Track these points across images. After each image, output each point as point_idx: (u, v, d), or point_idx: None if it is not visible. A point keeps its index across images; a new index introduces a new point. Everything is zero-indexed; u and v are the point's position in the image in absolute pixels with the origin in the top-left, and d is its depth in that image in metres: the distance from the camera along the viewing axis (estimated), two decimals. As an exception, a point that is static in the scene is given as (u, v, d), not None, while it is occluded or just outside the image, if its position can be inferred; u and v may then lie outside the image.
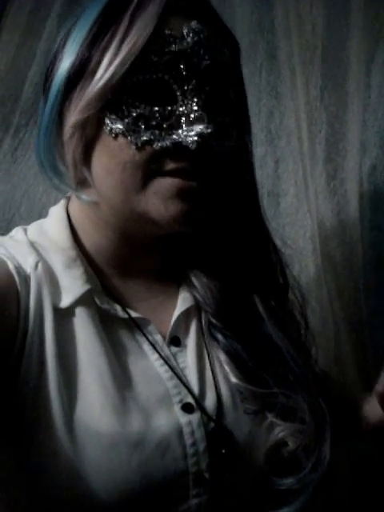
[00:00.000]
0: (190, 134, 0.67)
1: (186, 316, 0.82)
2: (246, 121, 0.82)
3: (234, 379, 0.80)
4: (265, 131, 1.28)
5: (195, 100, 0.68)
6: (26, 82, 1.40)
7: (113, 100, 0.67)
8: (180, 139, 0.67)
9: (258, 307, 0.83)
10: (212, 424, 0.75)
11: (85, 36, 0.68)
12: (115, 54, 0.66)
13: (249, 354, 0.80)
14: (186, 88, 0.69)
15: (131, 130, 0.67)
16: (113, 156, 0.68)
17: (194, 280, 0.84)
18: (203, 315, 0.83)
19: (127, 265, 0.80)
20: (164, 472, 0.70)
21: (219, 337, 0.82)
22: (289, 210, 1.27)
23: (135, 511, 0.70)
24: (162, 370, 0.76)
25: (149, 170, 0.68)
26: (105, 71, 0.66)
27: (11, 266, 0.70)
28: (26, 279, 0.70)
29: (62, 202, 0.81)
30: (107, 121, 0.68)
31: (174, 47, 0.67)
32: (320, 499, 0.82)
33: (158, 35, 0.67)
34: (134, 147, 0.67)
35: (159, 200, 0.69)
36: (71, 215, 0.79)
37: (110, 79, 0.66)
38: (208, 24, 0.71)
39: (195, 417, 0.74)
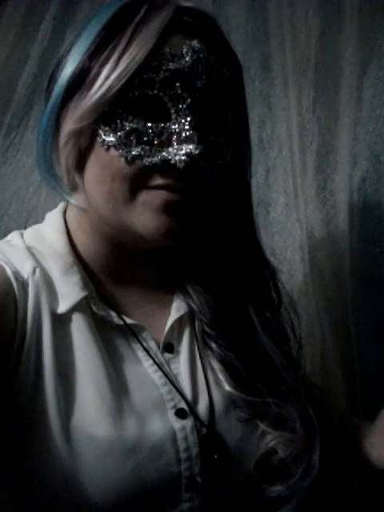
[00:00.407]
0: (179, 152, 0.68)
1: (179, 323, 0.83)
2: (245, 139, 0.82)
3: (227, 387, 0.81)
4: (256, 140, 1.28)
5: (188, 119, 0.69)
6: (18, 83, 1.40)
7: (108, 112, 0.68)
8: (169, 157, 0.68)
9: (252, 318, 0.84)
10: (204, 429, 0.76)
11: (87, 46, 0.69)
12: (113, 68, 0.67)
13: (242, 364, 0.81)
14: (180, 106, 0.69)
15: (123, 143, 0.68)
16: (103, 167, 0.69)
17: (188, 289, 0.85)
18: (197, 323, 0.84)
19: (121, 272, 0.81)
20: (158, 476, 0.71)
21: (213, 345, 0.83)
22: (278, 219, 1.28)
23: None
24: (157, 376, 0.77)
25: (137, 183, 0.70)
26: (102, 84, 0.67)
27: (9, 272, 0.70)
28: (23, 285, 0.71)
29: (60, 208, 0.82)
30: (100, 132, 0.69)
31: (171, 65, 0.68)
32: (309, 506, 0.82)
33: (158, 52, 0.67)
34: (123, 160, 0.68)
35: (145, 212, 0.70)
36: (68, 221, 0.80)
37: (106, 92, 0.67)
38: (209, 43, 0.71)
39: (188, 422, 0.75)
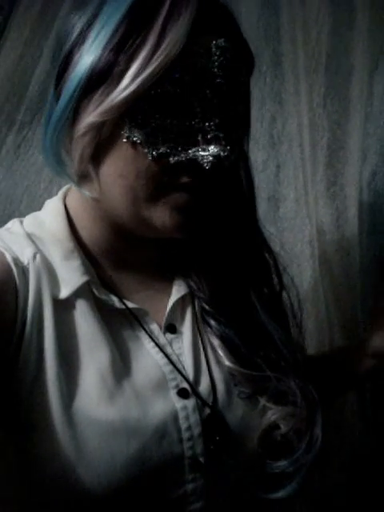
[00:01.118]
0: (206, 153, 0.68)
1: (180, 304, 0.84)
2: (248, 130, 0.83)
3: (227, 363, 0.81)
4: (267, 136, 1.29)
5: (216, 120, 0.69)
6: (32, 79, 1.41)
7: (134, 108, 0.67)
8: (196, 157, 0.68)
9: (251, 297, 0.85)
10: (207, 409, 0.77)
11: (109, 37, 0.66)
12: (145, 65, 0.65)
13: (241, 340, 0.82)
14: (206, 106, 0.69)
15: (149, 140, 0.67)
16: (127, 162, 0.69)
17: (188, 270, 0.86)
18: (197, 302, 0.85)
19: (123, 258, 0.81)
20: (161, 457, 0.72)
21: (212, 322, 0.84)
22: (288, 215, 1.28)
23: (133, 497, 0.71)
24: (159, 357, 0.77)
25: (161, 181, 0.70)
26: (132, 80, 0.65)
27: (9, 258, 0.70)
28: (23, 270, 0.71)
29: (59, 195, 0.82)
30: (126, 128, 0.67)
31: (201, 64, 0.67)
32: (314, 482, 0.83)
33: (187, 50, 0.66)
34: (150, 158, 0.68)
35: (166, 210, 0.71)
36: (69, 207, 0.80)
37: (136, 89, 0.65)
38: (233, 42, 0.70)
39: (190, 402, 0.76)
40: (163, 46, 0.65)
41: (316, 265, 1.23)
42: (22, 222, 0.79)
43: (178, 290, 0.84)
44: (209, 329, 0.84)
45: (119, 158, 0.69)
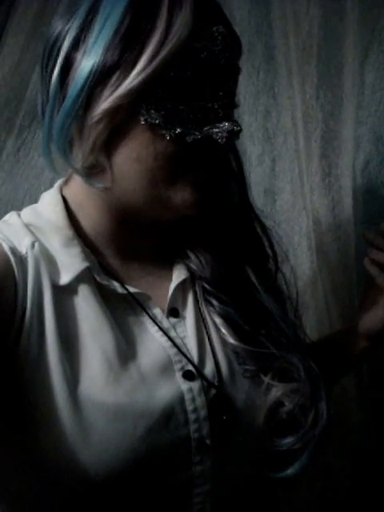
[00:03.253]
0: (220, 129, 0.72)
1: (182, 288, 0.85)
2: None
3: (231, 340, 0.83)
4: (262, 130, 1.29)
5: (224, 99, 0.74)
6: (30, 83, 1.42)
7: (149, 92, 0.69)
8: (211, 133, 0.72)
9: (250, 275, 0.86)
10: (212, 391, 0.78)
11: (116, 27, 0.68)
12: (158, 49, 0.67)
13: (243, 318, 0.84)
14: (214, 86, 0.72)
15: (166, 122, 0.70)
16: (145, 146, 0.71)
17: (188, 252, 0.87)
18: (198, 284, 0.86)
19: (124, 245, 0.82)
20: (168, 439, 0.73)
21: (214, 302, 0.85)
22: (285, 208, 1.28)
23: (139, 480, 0.72)
24: (163, 340, 0.78)
25: (179, 161, 0.72)
26: (147, 64, 0.67)
27: (6, 247, 0.71)
28: (21, 259, 0.72)
29: (56, 187, 0.83)
30: (143, 111, 0.69)
31: (206, 48, 0.70)
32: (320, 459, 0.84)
33: (194, 35, 0.69)
34: (167, 138, 0.70)
35: (186, 189, 0.74)
36: (68, 197, 0.81)
37: (152, 73, 0.67)
38: (227, 29, 0.74)
39: (196, 384, 0.77)
40: (174, 30, 0.68)
41: (314, 256, 1.24)
42: (19, 214, 0.80)
43: (178, 275, 0.85)
44: (211, 308, 0.86)
45: (136, 142, 0.71)
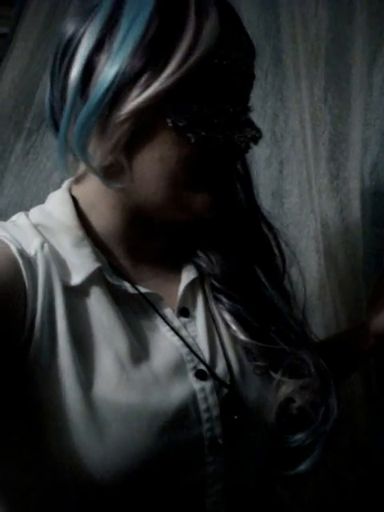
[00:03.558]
0: (245, 135, 0.73)
1: (191, 288, 0.85)
2: None
3: (242, 337, 0.83)
4: (270, 133, 1.29)
5: (244, 104, 0.75)
6: (39, 87, 1.43)
7: (177, 94, 0.69)
8: (234, 138, 0.72)
9: (258, 273, 0.87)
10: (224, 390, 0.78)
11: (143, 30, 0.68)
12: (189, 53, 0.68)
13: (253, 315, 0.84)
14: (236, 92, 0.73)
15: (192, 125, 0.70)
16: (169, 147, 0.71)
17: (197, 252, 0.87)
18: (207, 283, 0.87)
19: (134, 246, 0.82)
20: (181, 439, 0.73)
21: (224, 299, 0.85)
22: (293, 211, 1.28)
23: (152, 481, 0.71)
24: (175, 340, 0.78)
25: (202, 165, 0.73)
26: (177, 68, 0.68)
27: (14, 249, 0.70)
28: (30, 261, 0.71)
29: (64, 187, 0.82)
30: (171, 113, 0.69)
31: (233, 54, 0.71)
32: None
33: (223, 40, 0.70)
34: (192, 142, 0.70)
35: (206, 192, 0.75)
36: (78, 197, 0.80)
37: (182, 76, 0.68)
38: (246, 36, 0.75)
39: (208, 383, 0.77)
40: (203, 35, 0.68)
41: (321, 259, 1.23)
42: (27, 215, 0.79)
43: (187, 275, 0.85)
44: (221, 306, 0.86)
45: (160, 144, 0.71)
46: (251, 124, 0.75)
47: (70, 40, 0.72)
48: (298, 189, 1.28)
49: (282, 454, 0.83)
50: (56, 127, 0.79)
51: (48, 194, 1.35)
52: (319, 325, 1.20)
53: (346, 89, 1.24)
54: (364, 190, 1.19)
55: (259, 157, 1.28)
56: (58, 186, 1.34)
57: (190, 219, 0.79)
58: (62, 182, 1.36)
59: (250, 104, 0.77)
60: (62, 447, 0.68)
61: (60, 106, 0.75)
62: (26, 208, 1.34)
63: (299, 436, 0.81)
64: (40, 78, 1.44)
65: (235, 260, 0.87)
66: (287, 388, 0.82)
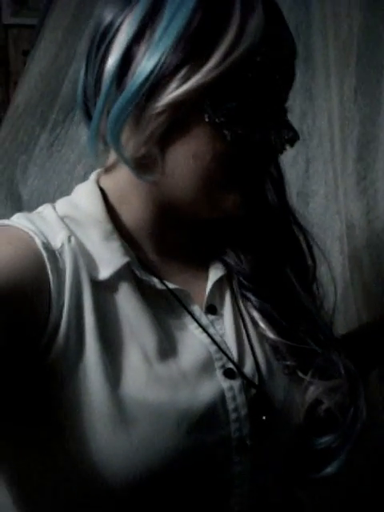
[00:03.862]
0: (282, 137, 0.72)
1: (219, 286, 0.84)
2: None
3: (271, 335, 0.82)
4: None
5: (282, 105, 0.75)
6: (65, 79, 1.43)
7: (216, 90, 0.68)
8: (271, 139, 0.72)
9: (288, 272, 0.85)
10: (252, 390, 0.77)
11: (186, 23, 0.67)
12: (232, 48, 0.67)
13: (281, 314, 0.83)
14: (275, 92, 0.72)
15: (229, 122, 0.69)
16: (205, 143, 0.70)
17: (226, 250, 0.86)
18: (235, 281, 0.85)
19: (163, 241, 0.80)
20: (209, 439, 0.71)
21: (252, 298, 0.84)
22: (318, 211, 1.27)
23: (179, 480, 0.70)
24: (203, 337, 0.77)
25: (236, 163, 0.72)
26: (220, 62, 0.67)
27: (38, 242, 0.69)
28: (55, 254, 0.69)
29: (93, 178, 0.80)
30: (209, 109, 0.69)
31: (276, 53, 0.70)
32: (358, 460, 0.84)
33: (264, 37, 0.68)
34: (229, 139, 0.69)
35: (237, 192, 0.74)
36: (106, 189, 0.78)
37: (223, 71, 0.67)
38: (290, 35, 0.74)
39: (236, 382, 0.76)
40: (248, 30, 0.67)
41: (345, 261, 1.22)
42: (54, 207, 0.78)
43: (215, 273, 0.84)
44: (249, 303, 0.84)
45: (196, 139, 0.70)
46: (289, 125, 0.74)
47: (109, 26, 0.71)
48: (324, 189, 1.26)
49: (308, 456, 0.82)
50: (86, 113, 0.78)
51: (72, 185, 1.35)
52: (341, 326, 1.18)
53: (376, 88, 1.23)
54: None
55: (285, 155, 1.25)
56: (82, 178, 1.35)
57: (219, 217, 0.78)
58: (85, 174, 1.38)
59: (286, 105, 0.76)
60: (87, 446, 0.67)
61: (93, 92, 0.74)
62: (49, 199, 1.34)
63: (326, 438, 0.80)
64: (67, 70, 1.44)
65: (265, 259, 0.85)
66: (316, 389, 0.80)
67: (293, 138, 0.73)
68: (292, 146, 0.74)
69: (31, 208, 1.33)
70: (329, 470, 0.80)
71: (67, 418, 0.67)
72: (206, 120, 0.69)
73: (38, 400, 0.68)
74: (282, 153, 0.74)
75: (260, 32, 0.67)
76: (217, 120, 0.69)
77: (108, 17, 0.71)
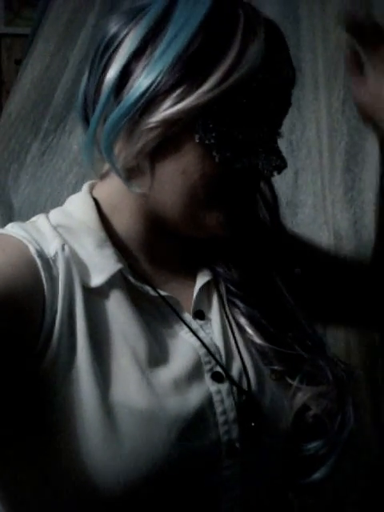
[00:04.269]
0: (270, 163, 0.73)
1: (206, 290, 0.84)
2: None
3: (258, 340, 0.82)
4: (286, 143, 1.29)
5: (275, 131, 0.76)
6: (57, 88, 1.44)
7: (210, 112, 0.70)
8: (259, 164, 0.73)
9: (276, 279, 0.86)
10: (241, 395, 0.77)
11: (187, 44, 0.69)
12: (230, 72, 0.68)
13: (269, 320, 0.83)
14: (268, 118, 0.74)
15: (219, 144, 0.70)
16: (194, 163, 0.71)
17: (213, 256, 0.87)
18: (222, 287, 0.86)
19: (153, 250, 0.81)
20: (199, 443, 0.71)
21: (240, 304, 0.84)
22: (306, 221, 1.28)
23: (169, 486, 0.70)
24: (193, 341, 0.77)
25: (222, 184, 0.73)
26: (215, 86, 0.68)
27: (32, 250, 0.69)
28: (49, 262, 0.70)
29: (85, 189, 0.81)
30: (200, 129, 0.70)
31: (273, 80, 0.71)
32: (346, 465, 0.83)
33: (263, 65, 0.70)
34: (216, 161, 0.71)
35: (221, 213, 0.75)
36: (99, 199, 0.80)
37: (218, 94, 0.68)
38: (290, 61, 0.75)
39: (224, 386, 0.76)
40: (247, 57, 0.69)
41: (333, 271, 1.22)
42: (47, 217, 0.78)
43: (202, 277, 0.84)
44: (236, 310, 0.85)
45: (186, 157, 0.71)
46: (278, 153, 0.75)
47: (114, 37, 0.73)
48: (312, 199, 1.27)
49: (296, 462, 0.82)
50: (84, 118, 0.79)
51: (63, 194, 1.38)
52: (328, 336, 1.19)
53: (364, 100, 1.24)
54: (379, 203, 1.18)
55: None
56: (73, 187, 1.37)
57: (204, 237, 0.80)
58: (77, 183, 1.38)
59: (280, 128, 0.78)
60: (76, 451, 0.66)
61: (92, 99, 0.75)
62: (40, 208, 1.37)
63: (314, 444, 0.80)
64: (59, 79, 1.45)
65: (253, 268, 0.86)
66: (304, 395, 0.80)
67: (280, 165, 0.74)
68: (279, 173, 0.75)
69: (22, 216, 1.35)
70: (317, 476, 0.80)
71: (58, 425, 0.67)
72: (197, 141, 0.70)
73: (31, 407, 0.68)
74: (268, 179, 0.76)
75: (259, 59, 0.69)
76: (207, 141, 0.70)
77: (113, 28, 0.74)
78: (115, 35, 0.73)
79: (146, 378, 0.70)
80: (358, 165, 1.24)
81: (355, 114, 1.23)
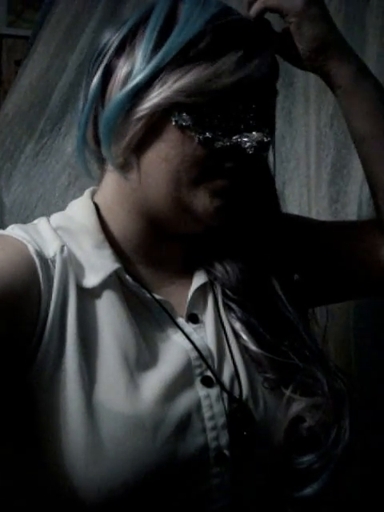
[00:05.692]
0: (249, 139, 0.73)
1: (201, 293, 0.84)
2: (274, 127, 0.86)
3: (253, 348, 0.80)
4: (275, 154, 1.30)
5: (256, 111, 0.74)
6: (55, 91, 1.45)
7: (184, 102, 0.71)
8: (240, 142, 0.73)
9: (275, 286, 0.84)
10: (232, 402, 0.76)
11: (185, 38, 0.71)
12: (208, 79, 0.71)
13: (266, 327, 0.82)
14: (249, 100, 0.74)
15: (197, 125, 0.71)
16: (174, 146, 0.72)
17: (212, 261, 0.86)
18: (218, 290, 0.85)
19: (151, 252, 0.82)
20: (185, 449, 0.70)
21: (236, 309, 0.83)
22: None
23: (156, 492, 0.69)
24: (185, 344, 0.77)
25: (205, 166, 0.73)
26: (191, 84, 0.71)
27: (32, 250, 0.71)
28: (47, 262, 0.71)
29: (86, 194, 0.83)
30: (175, 113, 0.71)
31: (250, 75, 0.72)
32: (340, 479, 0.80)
33: (247, 61, 0.72)
34: (196, 142, 0.72)
35: (207, 195, 0.75)
36: (98, 204, 0.81)
37: (194, 89, 0.71)
38: (270, 57, 0.78)
39: (214, 391, 0.75)
40: (229, 55, 0.71)
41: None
42: (48, 220, 0.80)
43: (197, 280, 0.84)
44: (232, 315, 0.84)
45: (165, 142, 0.73)
46: (260, 128, 0.74)
47: (103, 47, 0.77)
48: (298, 210, 1.28)
49: (289, 475, 0.79)
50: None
51: (55, 195, 1.39)
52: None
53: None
54: (361, 215, 1.20)
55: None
56: (65, 189, 1.38)
57: (198, 228, 0.79)
58: (69, 184, 1.39)
59: (268, 114, 0.78)
60: (59, 454, 0.67)
61: (82, 106, 0.79)
62: (32, 207, 1.39)
63: (308, 458, 0.77)
64: (57, 82, 1.46)
65: (251, 271, 0.85)
66: (298, 406, 0.78)
67: (262, 140, 0.73)
68: (263, 148, 0.75)
69: (13, 215, 1.36)
70: (309, 490, 0.77)
71: (43, 427, 0.68)
72: (173, 124, 0.71)
73: (16, 409, 0.68)
74: (254, 156, 0.74)
75: (239, 66, 0.71)
76: (184, 123, 0.71)
77: (104, 39, 0.77)
78: (105, 44, 0.77)
79: (134, 381, 0.70)
80: (343, 178, 1.26)
81: (343, 129, 1.25)
